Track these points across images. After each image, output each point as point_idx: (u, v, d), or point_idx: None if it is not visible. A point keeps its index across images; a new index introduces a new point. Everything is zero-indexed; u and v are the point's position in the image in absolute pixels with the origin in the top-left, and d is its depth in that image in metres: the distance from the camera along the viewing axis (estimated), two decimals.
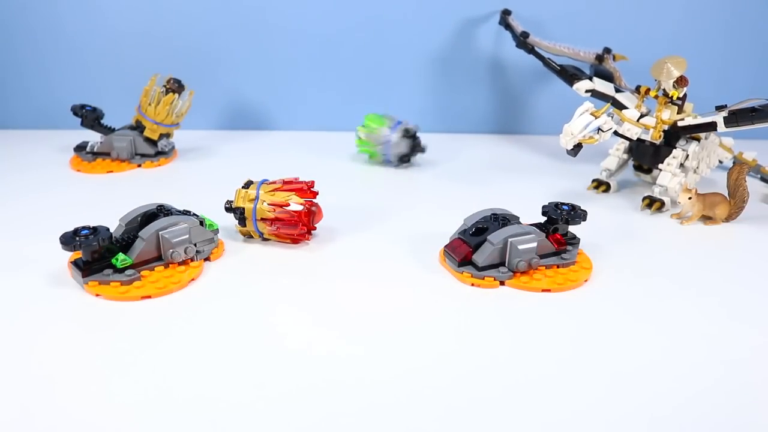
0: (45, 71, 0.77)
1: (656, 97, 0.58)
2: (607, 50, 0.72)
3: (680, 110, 0.58)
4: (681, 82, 0.57)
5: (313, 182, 0.48)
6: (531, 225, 0.46)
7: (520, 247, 0.43)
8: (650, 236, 0.53)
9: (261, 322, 0.39)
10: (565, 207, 0.46)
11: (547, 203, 0.47)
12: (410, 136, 0.65)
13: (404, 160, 0.66)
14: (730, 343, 0.38)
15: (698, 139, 0.58)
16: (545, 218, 0.46)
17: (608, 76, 0.69)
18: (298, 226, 0.46)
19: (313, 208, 0.48)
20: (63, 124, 0.75)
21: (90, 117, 0.66)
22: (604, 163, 0.63)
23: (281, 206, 0.46)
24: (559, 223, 0.45)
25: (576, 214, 0.45)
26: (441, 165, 0.68)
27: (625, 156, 0.63)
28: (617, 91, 0.63)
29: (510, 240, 0.43)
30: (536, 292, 0.43)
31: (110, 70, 0.77)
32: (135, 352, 0.36)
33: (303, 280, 0.44)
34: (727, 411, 0.32)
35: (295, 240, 0.48)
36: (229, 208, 0.48)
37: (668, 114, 0.58)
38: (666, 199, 0.57)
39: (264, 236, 0.48)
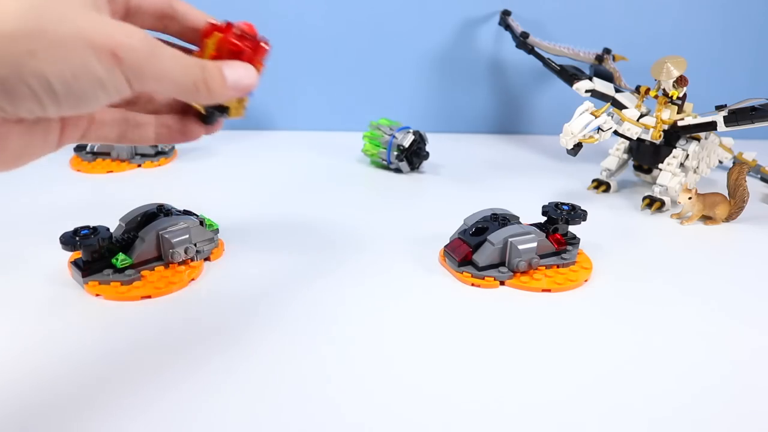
0: None
1: (656, 97, 0.58)
2: (607, 50, 0.72)
3: (680, 110, 0.58)
4: (681, 81, 0.57)
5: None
6: (531, 225, 0.46)
7: (520, 247, 0.43)
8: (650, 236, 0.53)
9: (261, 321, 0.39)
10: (565, 207, 0.46)
11: (547, 203, 0.47)
12: (417, 135, 0.64)
13: (403, 154, 0.64)
14: (730, 344, 0.38)
15: (698, 139, 0.58)
16: (545, 218, 0.46)
17: (608, 76, 0.69)
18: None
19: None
20: None
21: None
22: (604, 163, 0.63)
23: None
24: (559, 223, 0.45)
25: (576, 214, 0.45)
26: (441, 165, 0.68)
27: (625, 156, 0.63)
28: (617, 91, 0.63)
29: (510, 240, 0.43)
30: (536, 292, 0.43)
31: None
32: (135, 352, 0.36)
33: (303, 279, 0.44)
34: (727, 411, 0.32)
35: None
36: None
37: (668, 114, 0.58)
38: (666, 199, 0.57)
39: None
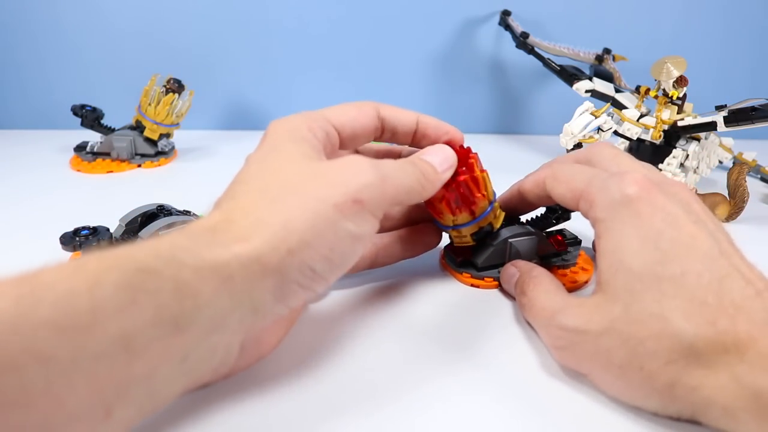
0: (44, 71, 0.77)
1: (656, 97, 0.58)
2: (607, 51, 0.72)
3: (680, 110, 0.58)
4: (681, 82, 0.57)
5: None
6: (532, 218, 0.46)
7: (520, 247, 0.43)
8: None
9: None
10: None
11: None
12: None
13: None
14: None
15: (698, 139, 0.58)
16: (544, 210, 0.46)
17: (608, 77, 0.69)
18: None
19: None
20: (63, 124, 0.75)
21: (90, 117, 0.66)
22: None
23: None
24: (559, 212, 0.45)
25: None
26: None
27: None
28: (617, 91, 0.63)
29: (510, 240, 0.43)
30: None
31: (110, 70, 0.77)
32: None
33: None
34: None
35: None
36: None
37: (668, 114, 0.58)
38: None
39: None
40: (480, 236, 0.42)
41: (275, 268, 0.25)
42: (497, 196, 0.43)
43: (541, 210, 0.45)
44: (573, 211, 0.44)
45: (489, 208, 0.40)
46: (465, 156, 0.39)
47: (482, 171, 0.40)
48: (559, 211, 0.44)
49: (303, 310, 0.34)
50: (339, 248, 0.27)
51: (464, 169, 0.38)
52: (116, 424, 0.21)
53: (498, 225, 0.42)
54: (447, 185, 0.39)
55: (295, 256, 0.25)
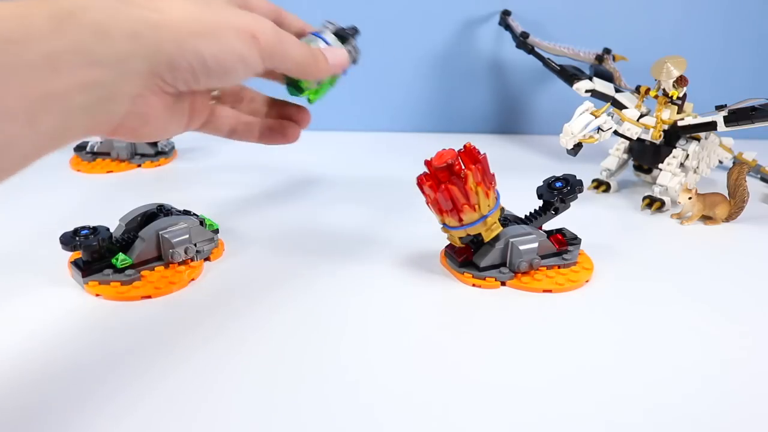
0: None
1: (656, 96, 0.58)
2: (607, 50, 0.72)
3: (680, 110, 0.58)
4: (681, 81, 0.57)
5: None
6: (530, 213, 0.46)
7: (522, 247, 0.43)
8: (650, 236, 0.53)
9: (261, 323, 0.39)
10: (558, 184, 0.45)
11: (540, 184, 0.46)
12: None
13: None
14: (729, 344, 0.38)
15: (698, 139, 0.58)
16: (541, 201, 0.46)
17: (608, 77, 0.69)
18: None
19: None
20: None
21: None
22: (604, 163, 0.63)
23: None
24: (557, 203, 0.45)
25: (571, 190, 0.44)
26: None
27: (625, 156, 0.63)
28: (617, 91, 0.63)
29: (511, 240, 0.43)
30: (537, 292, 0.43)
31: None
32: (135, 352, 0.36)
33: (304, 281, 0.44)
34: (724, 411, 0.32)
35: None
36: None
37: (668, 114, 0.58)
38: (666, 199, 0.57)
39: None
40: (468, 241, 0.42)
41: (177, 39, 0.28)
42: (499, 204, 0.42)
43: (539, 203, 0.46)
44: (570, 200, 0.44)
45: (478, 221, 0.40)
46: (468, 158, 0.39)
47: (479, 183, 0.39)
48: (558, 205, 0.44)
49: (205, 116, 0.37)
50: (228, 56, 0.30)
51: (460, 176, 0.38)
52: (38, 134, 0.26)
53: (489, 238, 0.42)
54: (437, 186, 0.39)
55: (195, 40, 0.29)
